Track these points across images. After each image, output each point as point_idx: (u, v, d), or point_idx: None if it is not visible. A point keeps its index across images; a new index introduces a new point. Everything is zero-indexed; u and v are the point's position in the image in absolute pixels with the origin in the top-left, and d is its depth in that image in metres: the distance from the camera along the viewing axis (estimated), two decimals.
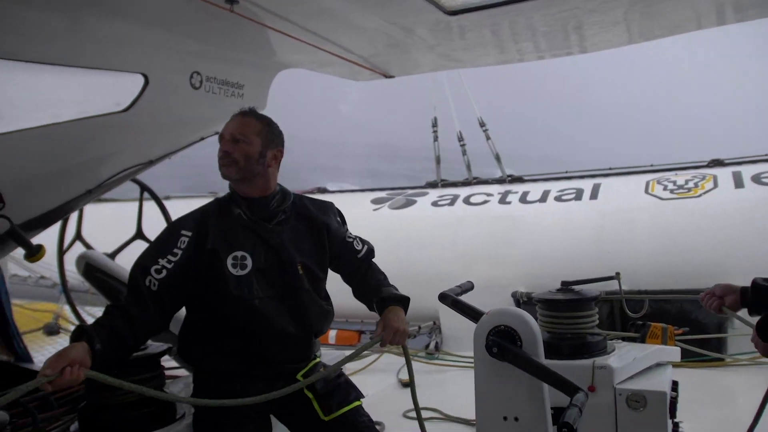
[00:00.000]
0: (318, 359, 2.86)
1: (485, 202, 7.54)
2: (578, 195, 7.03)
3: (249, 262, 2.62)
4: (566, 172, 8.02)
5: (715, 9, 4.21)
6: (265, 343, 2.62)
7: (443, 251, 7.03)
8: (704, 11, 4.25)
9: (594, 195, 6.96)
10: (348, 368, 5.32)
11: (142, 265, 2.55)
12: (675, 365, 3.39)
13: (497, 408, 2.08)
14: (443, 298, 2.61)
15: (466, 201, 7.68)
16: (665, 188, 6.67)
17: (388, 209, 7.98)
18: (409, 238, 7.35)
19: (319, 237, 2.82)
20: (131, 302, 2.50)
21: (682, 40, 4.96)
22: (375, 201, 8.28)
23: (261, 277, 2.62)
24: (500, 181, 8.30)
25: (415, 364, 5.63)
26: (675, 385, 3.12)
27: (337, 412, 2.68)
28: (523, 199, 7.32)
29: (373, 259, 3.04)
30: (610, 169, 7.76)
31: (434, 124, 8.76)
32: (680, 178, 6.86)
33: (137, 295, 2.50)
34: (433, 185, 8.63)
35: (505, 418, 2.07)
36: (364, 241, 3.02)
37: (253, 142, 2.67)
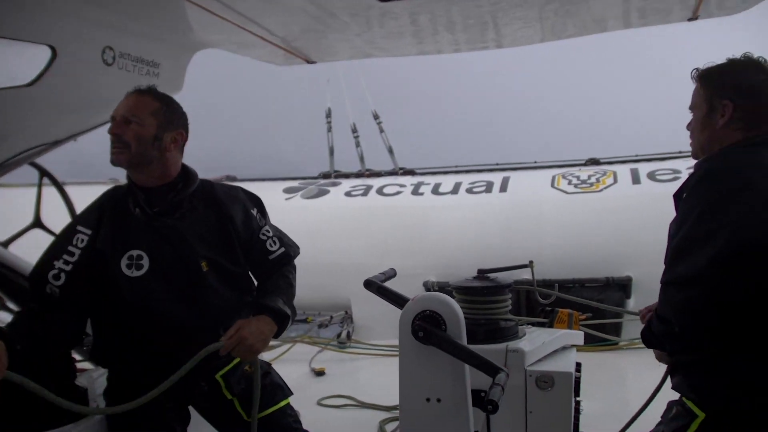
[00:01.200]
0: None
1: (398, 193, 7.63)
2: (488, 187, 7.24)
3: (146, 261, 2.40)
4: (456, 166, 8.28)
5: (621, 13, 4.43)
6: (171, 348, 2.42)
7: (356, 241, 7.07)
8: (611, 15, 4.45)
9: (503, 188, 7.19)
10: (260, 357, 5.30)
11: (38, 272, 2.36)
12: (578, 348, 3.58)
13: (421, 390, 2.13)
14: (368, 284, 2.61)
15: (380, 192, 7.75)
16: (570, 183, 6.99)
17: (301, 198, 7.94)
18: (322, 228, 7.34)
19: (228, 229, 2.57)
20: (41, 309, 2.33)
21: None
22: (287, 190, 8.20)
23: (160, 278, 2.41)
24: (393, 173, 8.46)
25: (327, 354, 5.80)
26: (579, 367, 3.29)
27: (263, 412, 2.56)
28: (436, 190, 7.46)
29: (289, 265, 2.77)
30: (517, 163, 8.07)
31: (328, 115, 8.78)
32: (583, 173, 7.21)
33: (42, 303, 2.34)
34: (326, 176, 8.69)
35: (428, 400, 2.12)
36: (283, 243, 2.75)
37: (146, 123, 2.42)
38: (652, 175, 6.78)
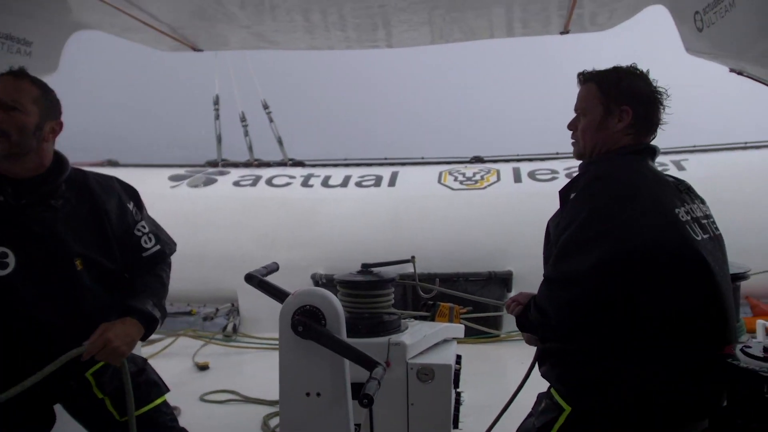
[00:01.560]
0: None
1: (288, 184, 7.59)
2: (377, 181, 7.34)
3: (11, 259, 2.21)
4: (345, 159, 8.38)
5: (505, 23, 4.62)
6: (40, 353, 2.24)
7: (244, 232, 6.97)
8: (496, 23, 4.64)
9: (392, 182, 7.30)
10: (142, 353, 5.12)
11: None
12: (459, 341, 3.70)
13: (300, 385, 2.14)
14: (249, 278, 2.57)
15: (269, 182, 7.68)
16: (456, 179, 7.20)
17: (187, 187, 7.73)
18: (209, 218, 7.19)
19: (102, 223, 2.40)
20: None
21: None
22: (173, 178, 7.94)
23: (27, 277, 2.23)
24: (282, 164, 8.44)
25: (212, 347, 5.67)
26: (459, 359, 3.41)
27: (135, 413, 2.39)
28: (325, 183, 7.47)
29: (163, 263, 2.63)
30: (406, 158, 8.21)
31: (216, 102, 8.61)
32: (469, 170, 7.43)
33: None
34: (213, 164, 8.56)
35: (307, 394, 2.13)
36: (159, 239, 2.59)
37: (29, 111, 2.24)
38: (532, 175, 7.10)
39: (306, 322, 2.09)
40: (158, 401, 2.57)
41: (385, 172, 7.55)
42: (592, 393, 2.07)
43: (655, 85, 2.24)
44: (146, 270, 2.55)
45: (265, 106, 8.53)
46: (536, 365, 2.40)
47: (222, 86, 8.55)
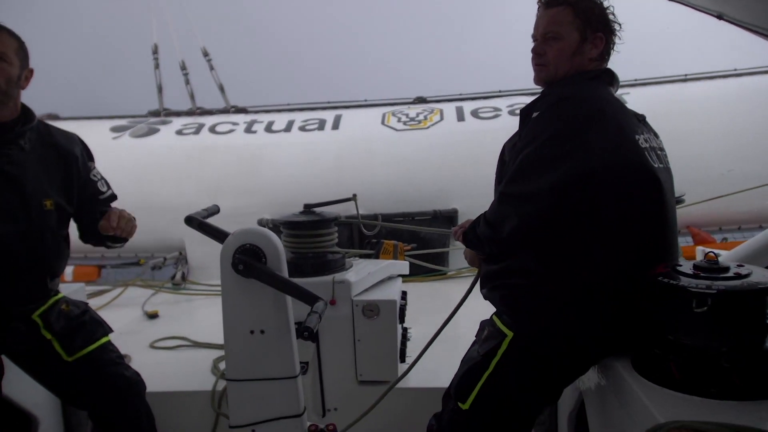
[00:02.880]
0: (60, 295, 2.65)
1: (231, 131, 7.49)
2: (321, 125, 7.29)
3: None
4: (288, 104, 8.29)
5: None
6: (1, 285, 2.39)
7: (188, 181, 6.89)
8: None
9: (336, 125, 7.27)
10: (92, 305, 5.09)
11: None
12: (407, 280, 3.76)
13: (244, 323, 2.18)
14: (189, 221, 2.58)
15: (212, 130, 7.56)
16: (399, 120, 7.19)
17: (129, 137, 7.57)
18: (152, 168, 7.08)
19: (67, 169, 2.57)
20: None
21: None
22: (115, 129, 7.78)
23: (1, 216, 2.36)
24: (225, 111, 8.36)
25: (162, 296, 5.68)
26: (404, 295, 3.51)
27: (82, 351, 2.54)
28: (269, 128, 7.40)
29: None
30: (349, 101, 8.17)
31: (155, 51, 8.41)
32: (412, 111, 7.43)
33: None
34: (155, 114, 8.41)
35: (252, 332, 2.18)
36: (108, 185, 2.79)
37: (14, 62, 2.39)
38: (475, 113, 7.14)
39: (246, 261, 2.12)
40: (104, 340, 2.65)
41: (329, 116, 7.50)
42: (533, 318, 2.11)
43: (610, 11, 2.25)
44: (103, 210, 2.70)
45: (205, 54, 8.38)
46: (476, 286, 2.44)
47: (160, 35, 8.32)
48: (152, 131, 7.69)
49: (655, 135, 2.28)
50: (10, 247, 2.38)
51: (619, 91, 7.25)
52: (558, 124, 2.02)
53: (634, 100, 6.79)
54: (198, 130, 7.59)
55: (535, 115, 2.11)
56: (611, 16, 2.24)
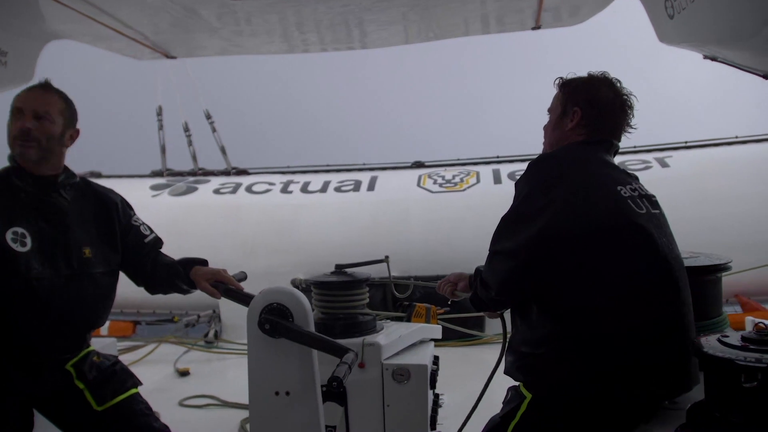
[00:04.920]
0: (91, 348, 2.68)
1: (267, 191, 7.57)
2: (356, 186, 7.32)
3: (29, 240, 2.41)
4: (288, 166, 8.43)
5: (480, 18, 4.64)
6: (37, 329, 2.42)
7: (224, 239, 6.94)
8: (471, 19, 4.65)
9: (371, 187, 7.29)
10: (125, 360, 5.09)
11: None
12: (439, 344, 3.68)
13: (269, 384, 2.13)
14: (215, 287, 2.66)
15: (249, 189, 7.66)
16: (435, 182, 7.19)
17: (168, 195, 7.71)
18: (190, 226, 7.16)
19: (108, 218, 2.68)
20: None
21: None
22: (154, 187, 7.95)
23: (42, 257, 2.42)
24: (226, 172, 8.50)
25: (194, 353, 5.65)
26: (436, 360, 3.41)
27: (112, 401, 2.56)
28: (305, 188, 7.46)
29: (161, 249, 2.89)
30: (386, 163, 8.22)
31: (159, 113, 8.64)
32: (448, 173, 7.43)
33: None
34: (158, 174, 8.60)
35: (276, 393, 2.13)
36: (150, 229, 2.87)
37: (57, 121, 2.50)
38: (512, 176, 7.08)
39: (273, 320, 2.08)
40: (133, 390, 2.68)
41: (364, 177, 7.54)
42: (546, 380, 2.13)
43: (622, 92, 2.36)
44: (152, 254, 2.81)
45: (208, 116, 8.57)
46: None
47: (165, 96, 8.58)
48: (190, 190, 7.82)
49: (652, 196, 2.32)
50: (50, 294, 2.43)
51: (661, 155, 7.05)
52: (531, 183, 2.18)
53: (677, 163, 6.67)
54: (235, 189, 7.69)
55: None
56: (612, 92, 2.35)
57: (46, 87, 2.55)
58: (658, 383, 2.04)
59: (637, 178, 2.34)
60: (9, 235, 2.37)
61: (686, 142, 7.35)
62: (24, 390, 2.47)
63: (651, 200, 2.22)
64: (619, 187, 2.15)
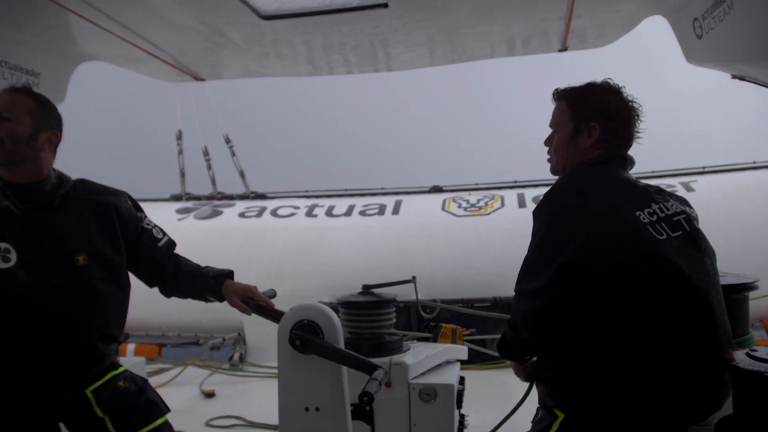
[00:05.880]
0: (121, 370, 2.57)
1: (292, 214, 7.61)
2: (381, 210, 7.34)
3: (13, 255, 2.30)
4: (306, 190, 8.46)
5: (506, 41, 4.67)
6: (35, 342, 2.33)
7: (249, 263, 6.97)
8: (497, 42, 4.68)
9: (396, 211, 7.31)
10: (151, 383, 5.11)
11: None
12: (466, 368, 3.66)
13: (299, 400, 2.14)
14: (246, 303, 2.65)
15: (274, 213, 7.71)
16: (459, 206, 7.18)
17: (194, 219, 7.79)
18: (215, 249, 7.19)
19: (107, 221, 2.53)
20: None
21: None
22: (180, 211, 8.04)
23: (29, 271, 2.31)
24: (245, 197, 8.55)
25: (219, 376, 5.67)
26: (462, 380, 3.39)
27: None
28: (330, 212, 7.50)
29: (175, 252, 2.80)
30: (408, 187, 8.24)
31: (179, 137, 8.73)
32: (473, 197, 7.42)
33: None
34: (177, 198, 8.68)
35: (306, 409, 2.13)
36: (164, 232, 2.77)
37: (22, 121, 2.36)
38: (537, 200, 7.06)
39: (303, 336, 2.09)
40: (159, 422, 2.55)
41: (389, 201, 7.57)
42: (577, 399, 2.07)
43: (629, 99, 2.30)
44: (167, 258, 2.72)
45: (227, 140, 8.64)
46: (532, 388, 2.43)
47: (184, 120, 8.67)
48: (216, 213, 7.88)
49: (680, 201, 2.26)
50: (44, 305, 2.34)
51: (686, 179, 6.95)
52: (545, 220, 2.13)
53: (702, 187, 6.62)
54: (260, 213, 7.75)
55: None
56: (621, 101, 2.28)
57: (16, 89, 2.44)
58: (690, 407, 1.99)
59: (660, 191, 2.26)
60: None
61: (711, 167, 7.27)
62: (47, 412, 2.40)
63: (672, 221, 2.11)
64: (638, 213, 2.07)
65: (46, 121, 2.45)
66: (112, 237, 2.54)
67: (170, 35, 4.25)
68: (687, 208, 2.23)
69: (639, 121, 2.30)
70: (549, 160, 2.42)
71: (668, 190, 2.32)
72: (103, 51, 4.53)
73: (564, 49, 4.62)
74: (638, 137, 2.33)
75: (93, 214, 2.52)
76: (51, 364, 2.37)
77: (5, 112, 2.34)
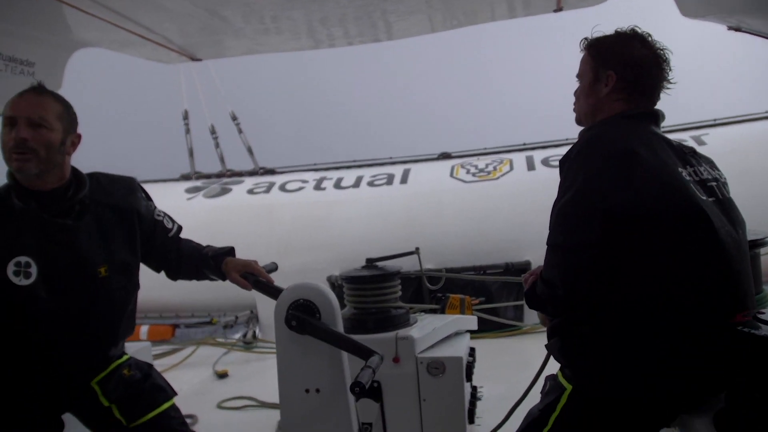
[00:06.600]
0: (125, 358, 2.59)
1: (301, 188, 7.56)
2: (390, 180, 7.27)
3: (34, 269, 2.23)
4: (315, 164, 8.41)
5: (506, 2, 4.54)
6: (46, 350, 2.32)
7: (259, 239, 6.94)
8: (496, 3, 4.56)
9: (404, 180, 7.23)
10: (164, 364, 5.15)
11: None
12: (477, 336, 3.62)
13: (299, 381, 2.11)
14: (245, 278, 2.62)
15: (282, 188, 7.66)
16: (468, 172, 7.08)
17: (203, 198, 7.76)
18: (225, 227, 7.18)
19: (129, 226, 2.51)
20: None
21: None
22: (189, 190, 8.02)
23: (50, 287, 2.26)
24: (253, 173, 8.53)
25: (233, 355, 5.68)
26: (472, 351, 3.35)
27: (142, 418, 2.47)
28: (338, 185, 7.44)
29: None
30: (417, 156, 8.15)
31: (185, 117, 8.72)
32: (481, 162, 7.31)
33: None
34: (187, 177, 8.69)
35: (306, 391, 2.10)
36: (172, 220, 2.77)
37: (54, 127, 2.27)
38: (546, 162, 6.94)
39: (299, 317, 2.06)
40: (165, 406, 2.57)
41: (397, 171, 7.48)
42: (592, 369, 2.01)
43: (656, 47, 2.18)
44: (179, 242, 2.74)
45: (234, 118, 8.62)
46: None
47: (190, 100, 8.63)
48: (224, 191, 7.86)
49: (710, 165, 2.17)
50: (61, 319, 2.32)
51: (697, 133, 6.84)
52: (587, 169, 1.96)
53: (714, 141, 6.48)
54: (268, 188, 7.70)
55: (566, 164, 2.06)
56: (646, 49, 2.18)
57: (39, 90, 2.32)
58: (705, 377, 1.92)
59: (693, 153, 2.17)
60: (11, 268, 2.21)
61: (722, 119, 7.12)
62: (52, 405, 2.43)
63: (706, 186, 2.04)
64: (680, 170, 1.99)
65: (72, 123, 2.39)
66: (131, 241, 2.53)
67: (165, 18, 4.19)
68: (717, 173, 2.16)
69: (668, 71, 2.20)
70: (574, 110, 2.34)
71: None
72: (98, 37, 4.48)
73: (559, 9, 4.49)
74: (667, 88, 2.23)
75: (114, 221, 2.48)
76: (58, 367, 2.38)
77: (37, 118, 2.24)
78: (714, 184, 2.08)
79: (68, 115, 2.37)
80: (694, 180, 2.01)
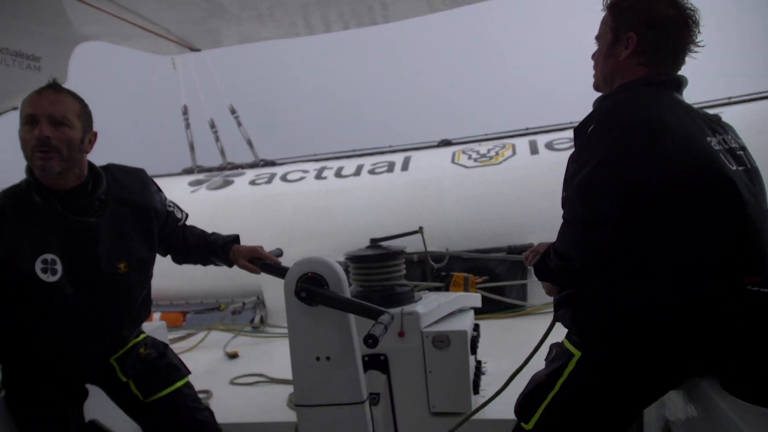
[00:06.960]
0: (142, 336, 2.72)
1: (302, 178, 7.63)
2: (390, 167, 7.31)
3: (59, 266, 2.29)
4: (315, 154, 8.45)
5: None
6: (73, 344, 2.45)
7: (262, 229, 6.99)
8: None
9: (405, 167, 7.27)
10: (177, 347, 5.25)
11: None
12: (481, 317, 3.68)
13: (310, 350, 2.20)
14: (252, 261, 2.74)
15: (284, 178, 7.73)
16: (470, 157, 7.10)
17: (206, 190, 7.84)
18: (229, 218, 7.25)
19: (146, 222, 2.59)
20: None
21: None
22: (192, 183, 8.11)
23: (74, 283, 2.34)
24: (254, 165, 8.59)
25: (241, 338, 5.80)
26: (476, 327, 3.44)
27: (157, 394, 2.60)
28: (339, 173, 7.49)
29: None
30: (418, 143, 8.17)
31: (185, 112, 8.78)
32: (483, 147, 7.32)
33: None
34: (189, 171, 8.78)
35: (317, 359, 2.19)
36: (180, 209, 2.87)
37: (75, 125, 2.29)
38: (549, 145, 6.92)
39: (309, 288, 2.15)
40: (179, 383, 2.69)
41: (398, 158, 7.52)
42: (603, 335, 1.98)
43: (684, 7, 2.03)
44: (185, 228, 2.86)
45: (233, 111, 8.67)
46: (554, 319, 2.30)
47: (188, 95, 8.69)
48: (227, 183, 7.93)
49: (735, 134, 2.11)
50: (89, 314, 2.42)
51: (711, 112, 6.86)
52: (611, 138, 1.87)
53: (729, 119, 6.42)
54: (270, 179, 7.77)
55: (590, 129, 1.94)
56: (671, 9, 2.02)
57: (57, 88, 2.32)
58: (715, 339, 1.88)
59: (719, 121, 2.10)
60: (38, 265, 2.26)
61: (737, 97, 6.90)
62: (72, 378, 2.56)
63: (735, 154, 1.96)
64: (708, 139, 1.91)
65: (89, 121, 2.42)
66: (149, 238, 2.61)
67: (162, 7, 4.26)
68: (741, 141, 2.10)
69: (697, 33, 2.05)
70: (594, 75, 2.21)
71: None
72: (98, 30, 4.55)
73: None
74: (694, 52, 2.09)
75: (132, 218, 2.54)
76: (81, 351, 2.50)
77: (60, 117, 2.25)
78: (742, 152, 2.02)
79: (86, 113, 2.40)
80: (724, 149, 1.94)
